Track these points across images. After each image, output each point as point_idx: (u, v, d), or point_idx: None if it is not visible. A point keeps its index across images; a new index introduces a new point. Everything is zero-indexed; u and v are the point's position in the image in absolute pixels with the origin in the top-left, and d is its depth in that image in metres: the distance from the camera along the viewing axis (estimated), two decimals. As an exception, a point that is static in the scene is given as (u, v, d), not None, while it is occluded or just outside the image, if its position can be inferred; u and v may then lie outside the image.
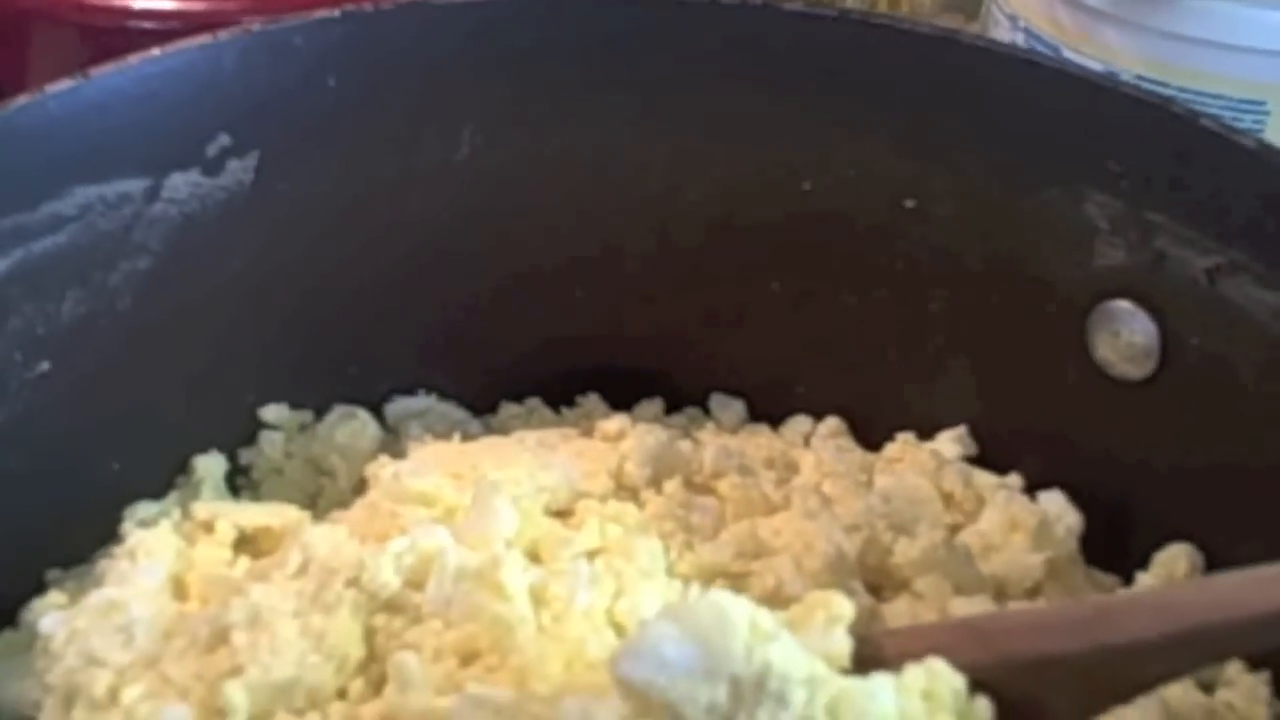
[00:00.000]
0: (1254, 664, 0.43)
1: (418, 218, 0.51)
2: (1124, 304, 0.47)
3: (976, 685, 0.36)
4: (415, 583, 0.40)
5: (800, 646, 0.34)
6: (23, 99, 0.43)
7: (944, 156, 0.49)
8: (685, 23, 0.50)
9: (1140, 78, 0.59)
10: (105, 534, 0.47)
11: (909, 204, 0.50)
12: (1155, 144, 0.45)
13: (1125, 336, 0.47)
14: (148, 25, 0.60)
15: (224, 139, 0.47)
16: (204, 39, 0.46)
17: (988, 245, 0.49)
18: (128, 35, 0.60)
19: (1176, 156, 0.45)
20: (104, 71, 0.44)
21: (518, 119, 0.51)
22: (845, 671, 0.35)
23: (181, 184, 0.47)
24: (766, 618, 0.34)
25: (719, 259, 0.53)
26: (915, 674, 0.35)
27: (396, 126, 0.50)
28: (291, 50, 0.47)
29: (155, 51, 0.45)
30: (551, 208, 0.52)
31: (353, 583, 0.39)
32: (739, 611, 0.34)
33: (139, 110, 0.45)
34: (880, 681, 0.35)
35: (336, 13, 0.48)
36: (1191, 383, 0.46)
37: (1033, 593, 0.47)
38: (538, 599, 0.39)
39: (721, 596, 0.34)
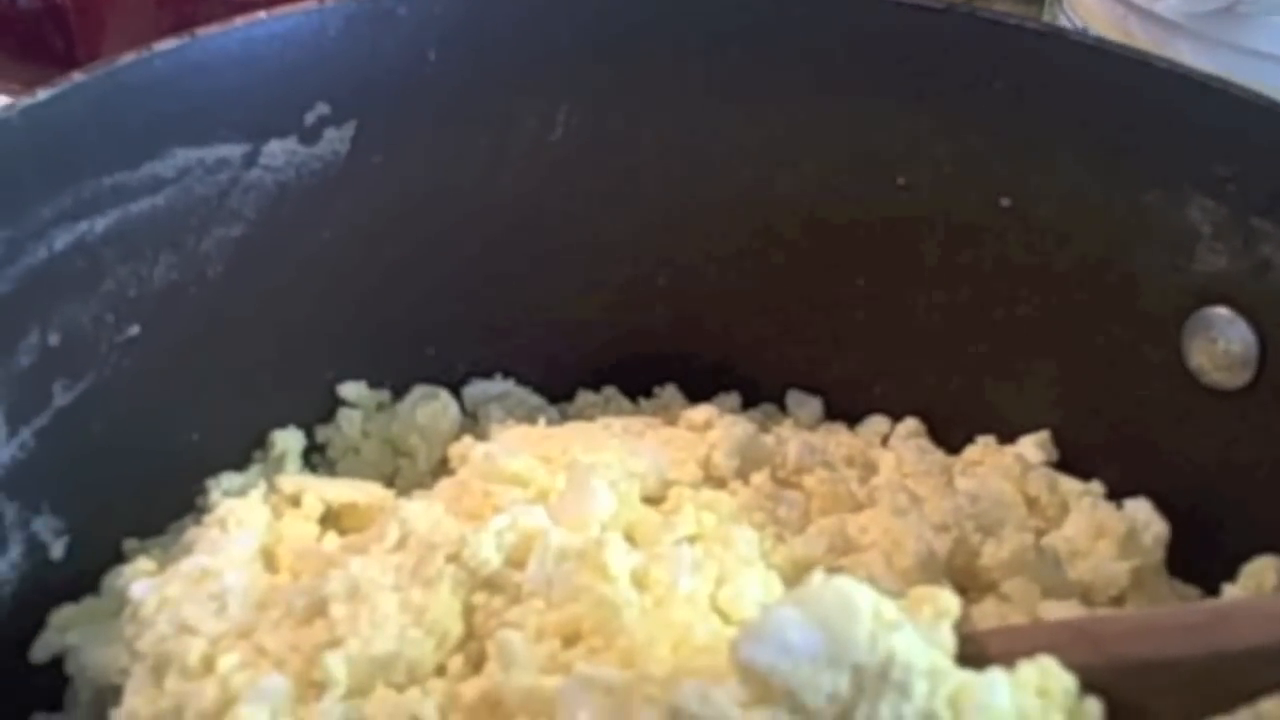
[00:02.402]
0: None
1: (508, 199, 0.51)
2: (1223, 311, 0.46)
3: (1084, 686, 0.36)
4: (515, 561, 0.39)
5: (921, 638, 0.34)
6: (129, 56, 0.42)
7: (1044, 155, 0.48)
8: (783, 16, 0.50)
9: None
10: (181, 506, 0.47)
11: (1005, 202, 0.49)
12: (1264, 149, 0.44)
13: (1222, 344, 0.46)
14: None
15: (323, 107, 0.47)
16: (309, 5, 0.45)
17: (1084, 247, 0.49)
18: (208, 4, 0.60)
19: (1285, 163, 0.44)
20: (210, 33, 0.44)
21: (614, 104, 0.51)
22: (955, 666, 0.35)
23: (279, 151, 0.46)
24: (890, 607, 0.34)
25: (807, 254, 0.52)
26: (1029, 671, 0.35)
27: (493, 104, 0.49)
28: (394, 21, 0.47)
29: (261, 15, 0.44)
30: (640, 196, 0.52)
31: (453, 558, 0.39)
32: (864, 599, 0.33)
33: (241, 74, 0.45)
34: (998, 676, 0.34)
35: (440, -15, 0.47)
36: (1287, 394, 0.45)
37: (1117, 600, 0.47)
38: (640, 583, 0.39)
39: (846, 583, 0.34)
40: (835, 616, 0.33)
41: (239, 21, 0.44)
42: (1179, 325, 0.47)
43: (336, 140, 0.47)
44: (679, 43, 0.50)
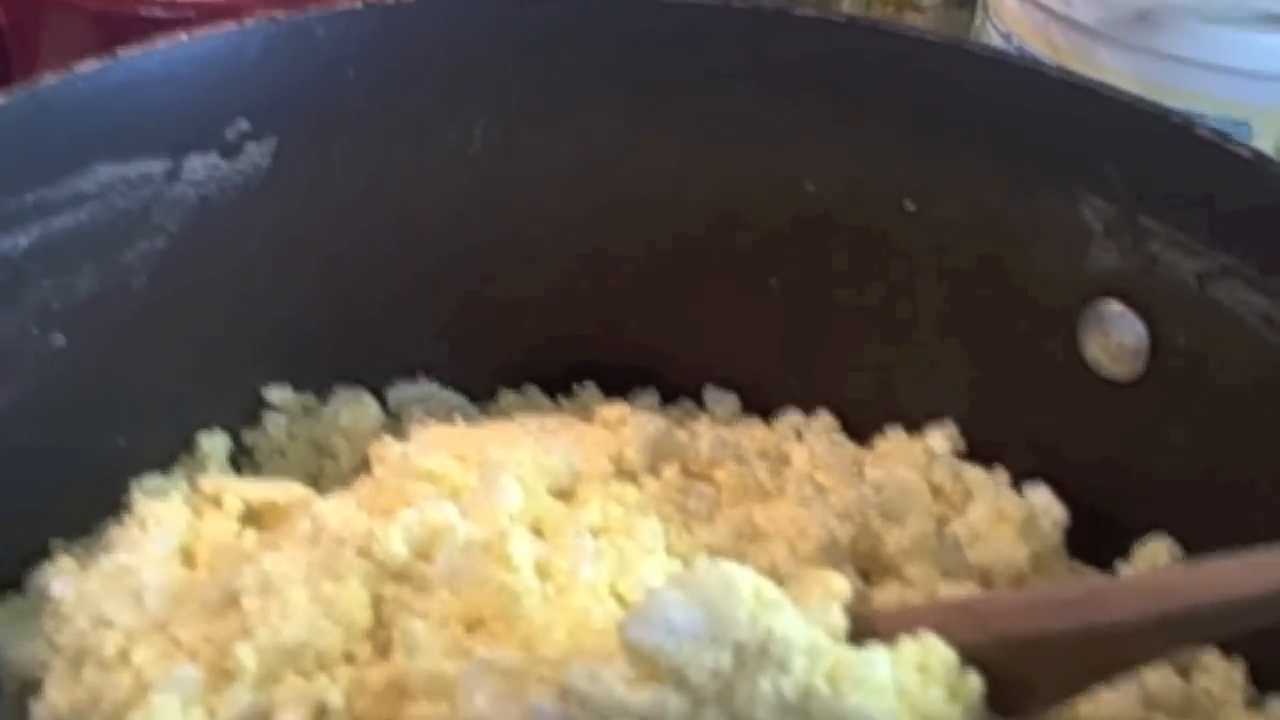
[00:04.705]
0: (1228, 651, 0.44)
1: (428, 208, 0.52)
2: (1115, 305, 0.48)
3: (967, 661, 0.37)
4: (423, 554, 0.41)
5: (802, 616, 0.36)
6: (51, 77, 0.44)
7: (945, 160, 0.50)
8: (698, 26, 0.51)
9: (1129, 97, 0.61)
10: (108, 506, 0.48)
11: (910, 206, 0.51)
12: (1152, 151, 0.46)
13: (1115, 337, 0.48)
14: (161, 14, 0.61)
15: (243, 124, 0.48)
16: (229, 26, 0.47)
17: (984, 246, 0.50)
18: (141, 23, 0.61)
19: (1172, 164, 0.46)
20: (131, 54, 0.45)
21: (530, 116, 0.52)
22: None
23: (200, 166, 0.48)
24: (770, 587, 0.35)
25: (719, 256, 0.54)
26: (910, 647, 0.37)
27: (411, 119, 0.51)
28: (313, 40, 0.48)
29: (182, 36, 0.46)
30: (558, 203, 0.53)
31: (362, 552, 0.40)
32: (744, 580, 0.35)
33: (163, 92, 0.46)
34: (877, 652, 0.36)
35: (358, 5, 0.49)
36: (1179, 384, 0.47)
37: (1017, 582, 0.48)
38: (543, 572, 0.40)
39: (727, 565, 0.35)
40: (717, 597, 0.34)
41: (160, 42, 0.46)
42: (1075, 320, 0.49)
43: (258, 155, 0.49)
44: (593, 56, 0.52)
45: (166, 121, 0.47)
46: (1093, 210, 0.48)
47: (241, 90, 0.48)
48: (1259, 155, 0.45)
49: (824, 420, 0.54)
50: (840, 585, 0.38)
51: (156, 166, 0.47)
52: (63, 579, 0.42)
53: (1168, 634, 0.36)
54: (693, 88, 0.52)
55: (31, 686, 0.42)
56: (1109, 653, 0.37)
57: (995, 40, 0.67)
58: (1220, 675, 0.44)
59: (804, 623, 0.35)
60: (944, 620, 0.39)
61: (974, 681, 0.37)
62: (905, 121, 0.50)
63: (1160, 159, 0.46)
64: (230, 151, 0.48)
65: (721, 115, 0.52)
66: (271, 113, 0.49)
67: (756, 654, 0.34)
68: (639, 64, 0.52)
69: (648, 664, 0.34)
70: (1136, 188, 0.47)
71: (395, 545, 0.41)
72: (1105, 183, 0.47)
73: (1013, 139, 0.49)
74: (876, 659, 0.35)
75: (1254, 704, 0.43)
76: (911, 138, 0.51)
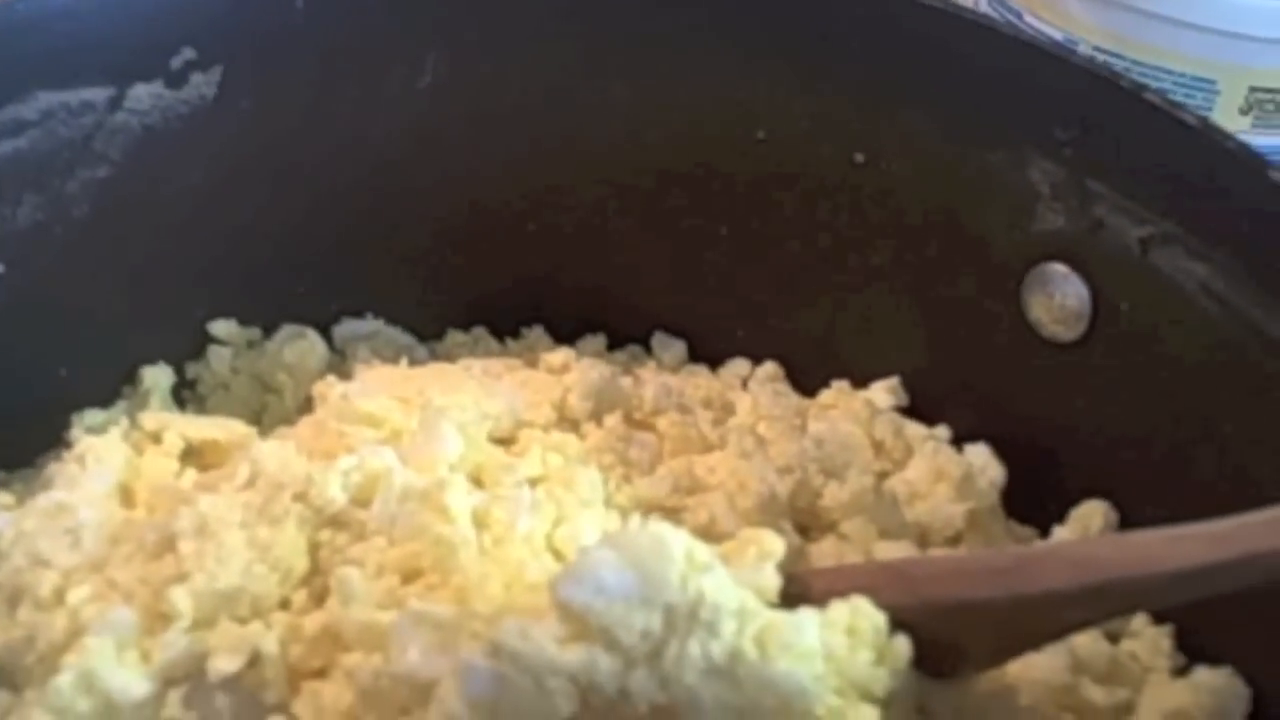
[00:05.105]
0: (1158, 618, 0.45)
1: (377, 142, 0.52)
2: (1059, 267, 0.48)
3: (897, 624, 0.38)
4: (361, 500, 0.41)
5: (733, 579, 0.36)
6: (-10, 0, 0.43)
7: (896, 113, 0.50)
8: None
9: (1097, 49, 0.61)
10: (50, 439, 0.48)
11: (859, 158, 0.51)
12: (1100, 115, 0.46)
13: (1058, 299, 0.48)
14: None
15: (188, 52, 0.47)
16: (175, -48, 0.46)
17: (932, 203, 0.50)
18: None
19: (1120, 128, 0.46)
20: (73, -21, 0.44)
21: (482, 50, 0.52)
22: (773, 606, 0.37)
23: (144, 95, 0.47)
24: (702, 550, 0.36)
25: (670, 201, 0.54)
26: (839, 610, 0.37)
27: (362, 50, 0.50)
28: (262, -32, 0.48)
29: (125, -39, 0.45)
30: (510, 141, 0.53)
31: (300, 497, 0.40)
32: (676, 542, 0.35)
33: (106, 19, 0.45)
34: (806, 616, 0.36)
35: (309, -69, 0.48)
36: (1118, 348, 0.47)
37: (954, 541, 0.49)
38: (480, 522, 0.41)
39: (660, 527, 0.36)
40: (648, 558, 0.35)
41: (103, -33, 0.45)
42: (1019, 280, 0.49)
43: (203, 84, 0.48)
44: (547, -7, 0.51)
45: (110, 49, 0.46)
46: (1041, 172, 0.48)
47: (186, 18, 0.48)
48: (1207, 124, 0.45)
49: (768, 370, 0.54)
50: (774, 544, 0.39)
51: (99, 95, 0.46)
52: (0, 515, 0.42)
53: (1095, 605, 0.37)
54: (646, 31, 0.52)
55: (-37, 621, 0.42)
56: (1037, 621, 0.38)
57: (967, -14, 0.67)
58: (1148, 641, 0.44)
59: (735, 586, 0.36)
60: (876, 582, 0.39)
61: (902, 645, 0.37)
62: (857, 73, 0.50)
63: (1109, 123, 0.46)
64: (175, 81, 0.48)
65: (677, 60, 0.52)
66: (217, 41, 0.48)
67: (686, 617, 0.35)
68: (591, 4, 0.51)
69: (578, 623, 0.35)
70: (1084, 151, 0.47)
71: (333, 490, 0.41)
72: (1054, 144, 0.47)
73: (963, 95, 0.49)
74: (805, 623, 0.36)
75: (1181, 671, 0.44)
76: (863, 89, 0.50)
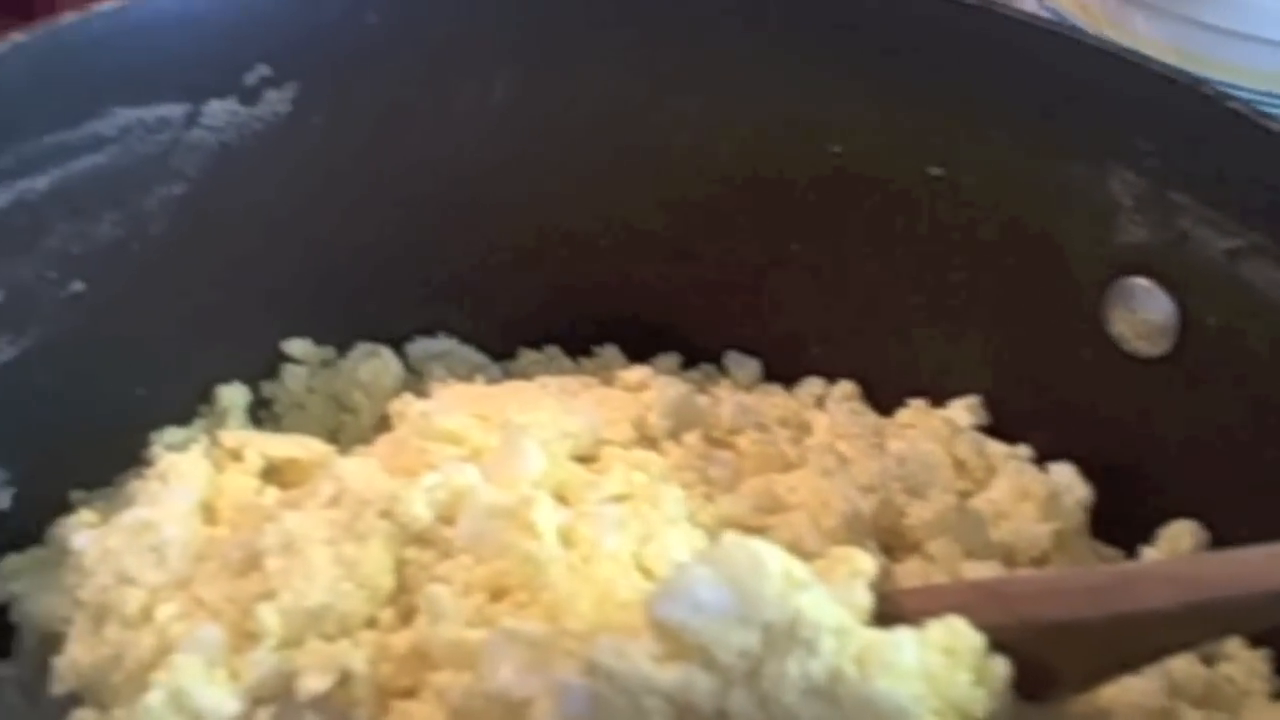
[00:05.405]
0: (1255, 640, 0.44)
1: (448, 159, 0.52)
2: (1142, 281, 0.47)
3: (994, 645, 0.37)
4: (446, 518, 0.41)
5: (830, 597, 0.35)
6: (70, 16, 0.43)
7: (973, 125, 0.49)
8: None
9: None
10: (128, 458, 0.48)
11: (936, 172, 0.50)
12: (1184, 124, 0.45)
13: (1142, 314, 0.48)
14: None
15: (263, 69, 0.47)
16: (252, -31, 0.46)
17: (1011, 216, 0.50)
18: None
19: (1204, 138, 0.45)
20: (151, -5, 0.44)
21: (552, 67, 0.51)
22: (867, 625, 0.36)
23: (220, 111, 0.47)
24: (799, 566, 0.35)
25: (744, 217, 0.53)
26: (937, 630, 0.36)
27: (433, 66, 0.50)
28: (335, -16, 0.47)
29: (202, -22, 0.45)
30: (580, 158, 0.53)
31: (385, 514, 0.40)
32: (773, 559, 0.35)
33: (182, 36, 0.45)
34: (905, 635, 0.35)
35: (383, -51, 0.48)
36: (1206, 362, 0.46)
37: (1039, 561, 0.48)
38: (566, 540, 0.40)
39: (756, 543, 0.35)
40: (745, 575, 0.34)
41: (181, -16, 0.45)
42: (1101, 294, 0.48)
43: (277, 101, 0.48)
44: (620, 9, 0.51)
45: (185, 66, 0.46)
46: (1122, 183, 0.47)
47: (261, 35, 0.47)
48: (1291, 132, 0.44)
49: (845, 389, 0.53)
50: (866, 563, 0.38)
51: (175, 111, 0.46)
52: (84, 533, 0.42)
53: (1197, 625, 0.36)
54: (720, 44, 0.51)
55: (51, 639, 0.42)
56: (1136, 642, 0.37)
57: (1028, 4, 0.66)
58: (1245, 664, 0.44)
59: (833, 603, 0.35)
60: (969, 602, 0.38)
61: (1000, 666, 0.37)
62: (933, 85, 0.50)
63: (1192, 132, 0.45)
64: (250, 97, 0.48)
65: (748, 72, 0.51)
66: (292, 58, 0.48)
67: (785, 635, 0.34)
68: (667, 19, 0.51)
69: (675, 641, 0.34)
70: (1167, 161, 0.46)
71: (418, 508, 0.40)
72: (1136, 155, 0.46)
73: (1042, 106, 0.48)
74: (904, 642, 0.35)
75: (1279, 695, 0.43)
76: (939, 102, 0.50)
